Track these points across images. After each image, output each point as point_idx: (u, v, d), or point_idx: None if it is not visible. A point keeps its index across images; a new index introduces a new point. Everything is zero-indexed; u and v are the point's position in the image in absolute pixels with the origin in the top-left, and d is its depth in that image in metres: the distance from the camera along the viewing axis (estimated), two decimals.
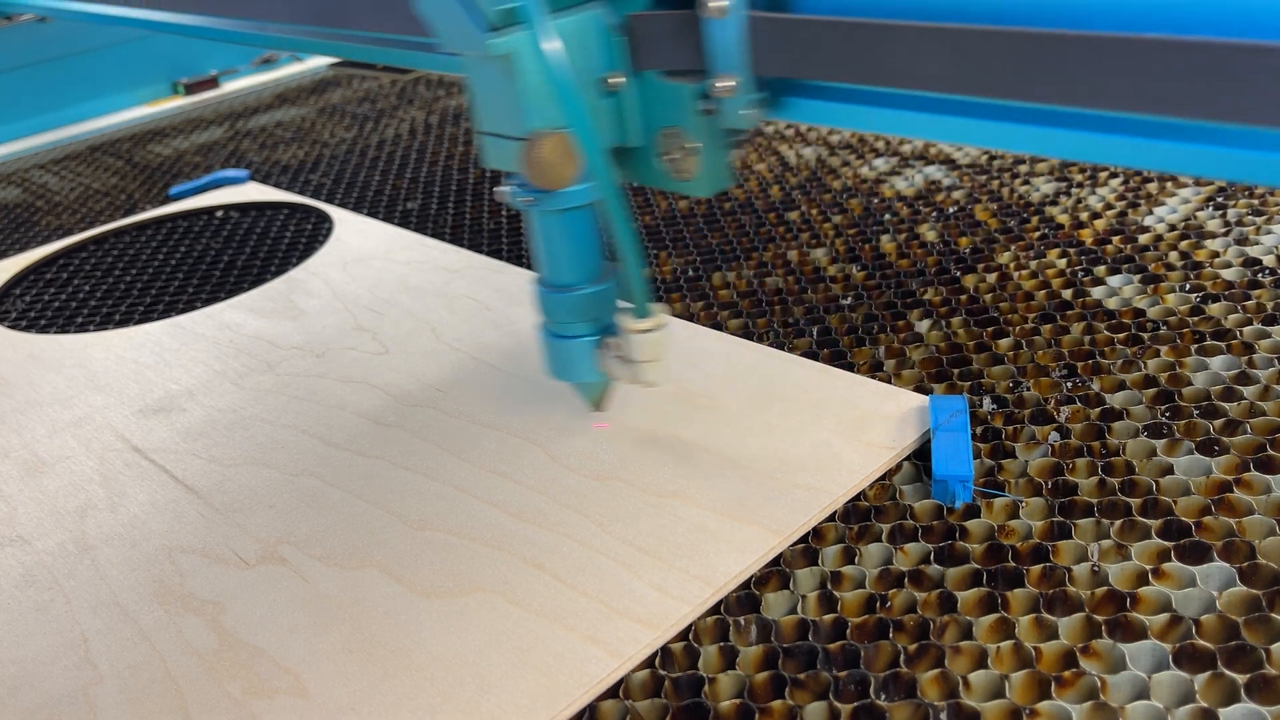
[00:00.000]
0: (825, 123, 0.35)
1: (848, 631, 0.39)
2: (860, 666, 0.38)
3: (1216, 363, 0.52)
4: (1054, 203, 0.72)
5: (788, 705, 0.37)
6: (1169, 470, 0.45)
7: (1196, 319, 0.56)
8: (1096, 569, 0.40)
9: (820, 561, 0.43)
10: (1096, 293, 0.60)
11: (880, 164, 0.84)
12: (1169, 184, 0.73)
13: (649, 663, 0.39)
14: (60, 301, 0.79)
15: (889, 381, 0.54)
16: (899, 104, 0.32)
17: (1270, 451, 0.45)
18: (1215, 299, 0.58)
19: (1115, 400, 0.50)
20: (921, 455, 0.48)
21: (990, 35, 0.27)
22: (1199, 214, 0.68)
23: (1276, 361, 0.51)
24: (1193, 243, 0.64)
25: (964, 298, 0.61)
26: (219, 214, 0.95)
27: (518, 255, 0.76)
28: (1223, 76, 0.23)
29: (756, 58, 0.34)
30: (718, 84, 0.35)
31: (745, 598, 0.41)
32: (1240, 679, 0.35)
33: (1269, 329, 0.54)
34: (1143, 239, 0.66)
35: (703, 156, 0.39)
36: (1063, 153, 0.29)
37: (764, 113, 0.36)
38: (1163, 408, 0.49)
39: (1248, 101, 0.23)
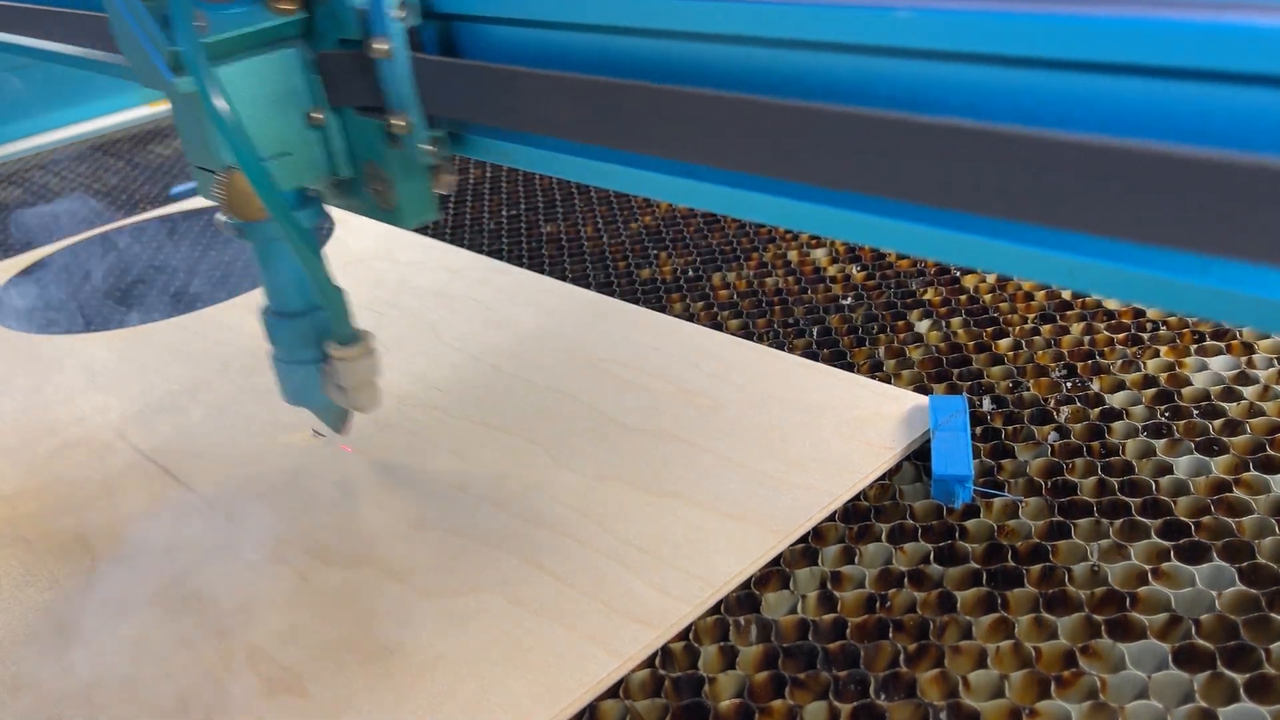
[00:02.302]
0: (502, 161, 0.36)
1: (848, 631, 0.39)
2: (860, 666, 0.38)
3: (1216, 363, 0.52)
4: None
5: (788, 705, 0.37)
6: (1169, 470, 0.45)
7: (1196, 319, 0.56)
8: (1096, 569, 0.40)
9: (820, 561, 0.43)
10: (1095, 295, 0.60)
11: None
12: None
13: (649, 662, 0.39)
14: (60, 301, 0.79)
15: (889, 381, 0.54)
16: (559, 148, 0.34)
17: (1270, 451, 0.45)
18: None
19: (1115, 400, 0.50)
20: (921, 455, 0.48)
21: (603, 86, 0.28)
22: None
23: (1276, 361, 0.51)
24: None
25: (964, 298, 0.61)
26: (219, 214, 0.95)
27: (518, 255, 0.76)
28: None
29: (425, 97, 0.35)
30: (394, 121, 0.36)
31: (745, 597, 0.41)
32: (1240, 679, 0.35)
33: (1267, 331, 0.54)
34: None
35: (399, 188, 0.39)
36: (688, 201, 0.30)
37: (446, 149, 0.37)
38: (1162, 408, 0.49)
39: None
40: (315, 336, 0.46)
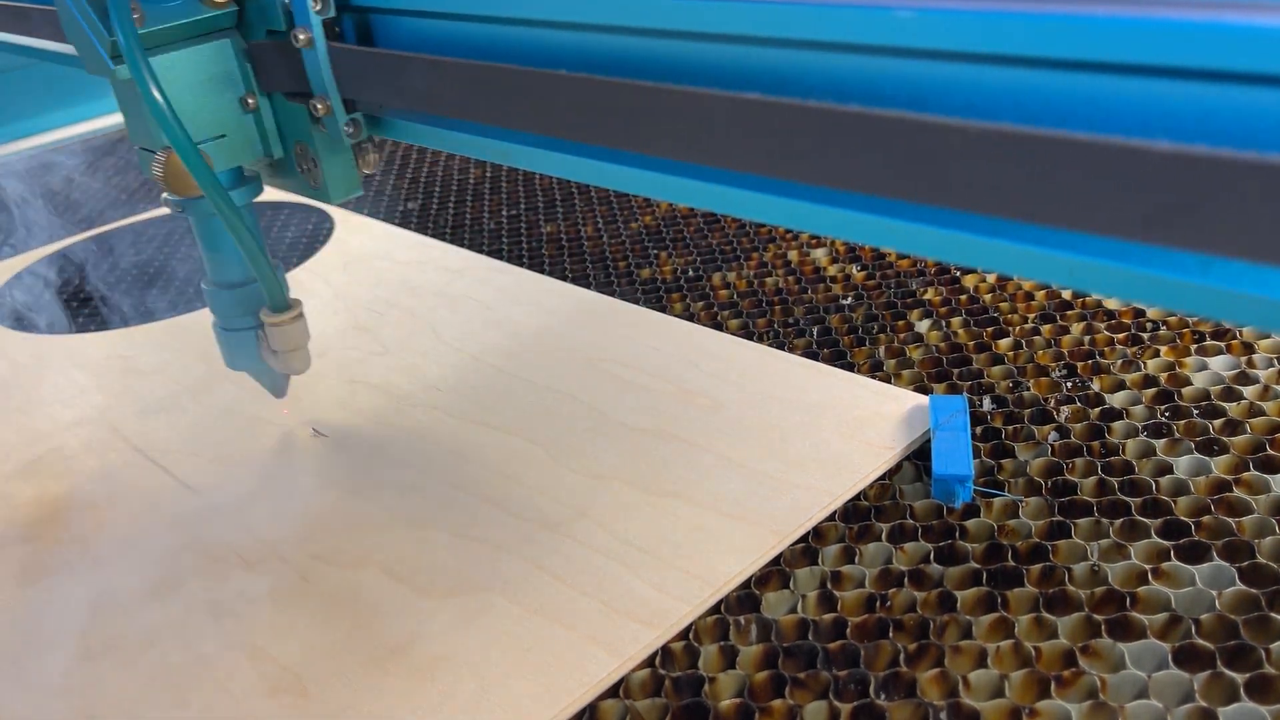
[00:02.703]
0: (417, 142, 0.41)
1: (848, 631, 0.39)
2: (860, 666, 0.38)
3: (1216, 363, 0.52)
4: None
5: (788, 705, 0.37)
6: (1169, 470, 0.45)
7: (1196, 319, 0.56)
8: (1096, 568, 0.40)
9: (820, 561, 0.43)
10: (1095, 294, 0.60)
11: None
12: None
13: (649, 662, 0.39)
14: (60, 301, 0.79)
15: (889, 381, 0.54)
16: (466, 129, 0.38)
17: (1270, 451, 0.45)
18: None
19: (1115, 400, 0.50)
20: (921, 455, 0.48)
21: (473, 68, 0.33)
22: None
23: (1276, 361, 0.51)
24: None
25: (964, 298, 0.61)
26: None
27: (518, 255, 0.76)
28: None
29: (342, 83, 0.39)
30: (317, 105, 0.40)
31: (745, 597, 0.41)
32: (1240, 679, 0.35)
33: (1266, 330, 0.54)
34: None
35: (324, 167, 0.43)
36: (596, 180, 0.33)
37: (364, 130, 0.41)
38: (1162, 407, 0.49)
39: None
40: (253, 306, 0.49)
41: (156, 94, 0.39)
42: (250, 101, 0.44)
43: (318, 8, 0.38)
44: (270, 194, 0.97)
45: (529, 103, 0.31)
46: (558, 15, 0.31)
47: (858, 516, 0.45)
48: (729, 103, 0.25)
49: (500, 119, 0.33)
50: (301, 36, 0.38)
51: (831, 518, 0.45)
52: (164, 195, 0.46)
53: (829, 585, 0.41)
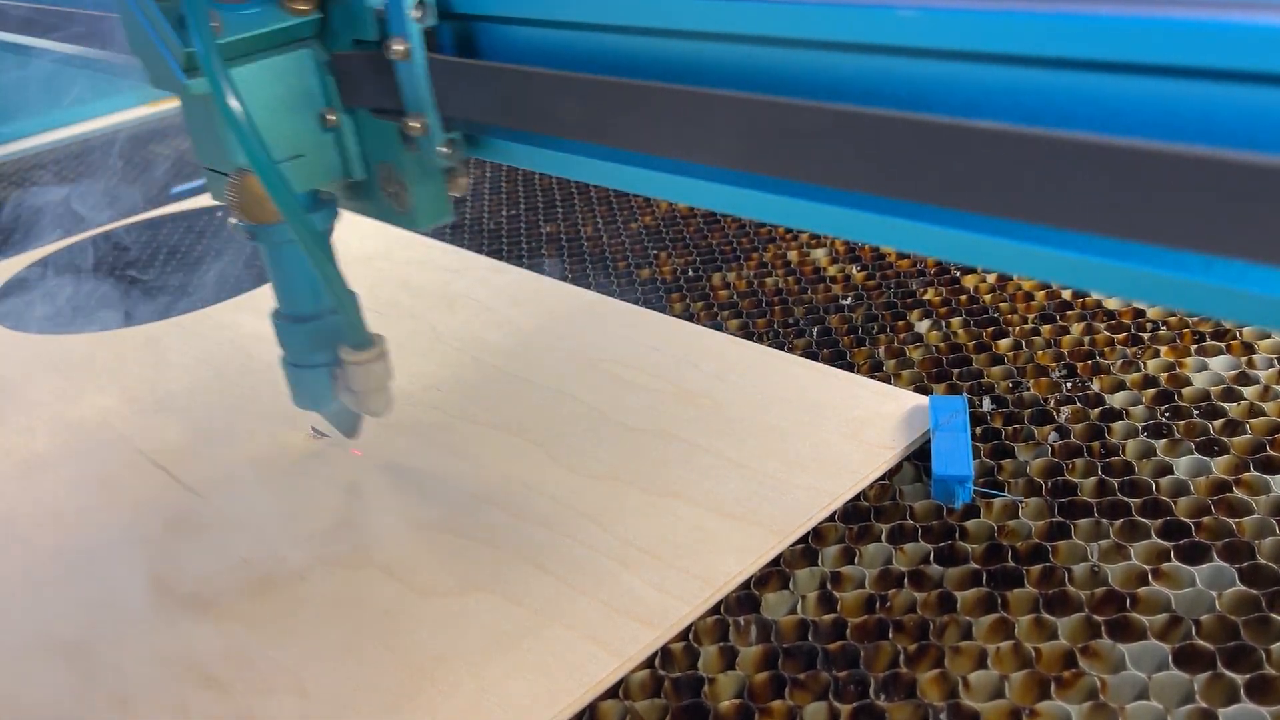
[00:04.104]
0: (518, 164, 0.36)
1: (848, 631, 0.39)
2: (860, 666, 0.38)
3: (1217, 363, 0.52)
4: None
5: (788, 705, 0.37)
6: (1169, 470, 0.45)
7: (1196, 319, 0.56)
8: (1096, 569, 0.40)
9: (820, 561, 0.43)
10: (1096, 292, 0.60)
11: None
12: None
13: (649, 663, 0.39)
14: (60, 301, 0.79)
15: (889, 381, 0.54)
16: (574, 150, 0.34)
17: (1270, 451, 0.45)
18: None
19: (1115, 400, 0.50)
20: (921, 455, 0.48)
21: (615, 86, 0.29)
22: None
23: (1276, 361, 0.51)
24: None
25: (964, 298, 0.61)
26: (219, 214, 0.95)
27: (518, 255, 0.76)
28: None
29: (441, 99, 0.35)
30: (410, 123, 0.36)
31: (745, 598, 0.41)
32: (1240, 679, 0.35)
33: (1269, 329, 0.54)
34: None
35: (413, 191, 0.40)
36: (720, 206, 0.30)
37: (462, 151, 0.37)
38: (1162, 408, 0.49)
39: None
40: (327, 340, 0.46)
41: (238, 109, 0.36)
42: (331, 118, 0.40)
43: (418, 15, 0.34)
44: None
45: (687, 127, 0.27)
46: (689, 25, 0.27)
47: (858, 517, 0.45)
48: (730, 102, 0.25)
49: (646, 143, 0.29)
50: (398, 48, 0.34)
51: (831, 518, 0.45)
52: (232, 221, 0.42)
53: (829, 586, 0.41)
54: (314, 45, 0.39)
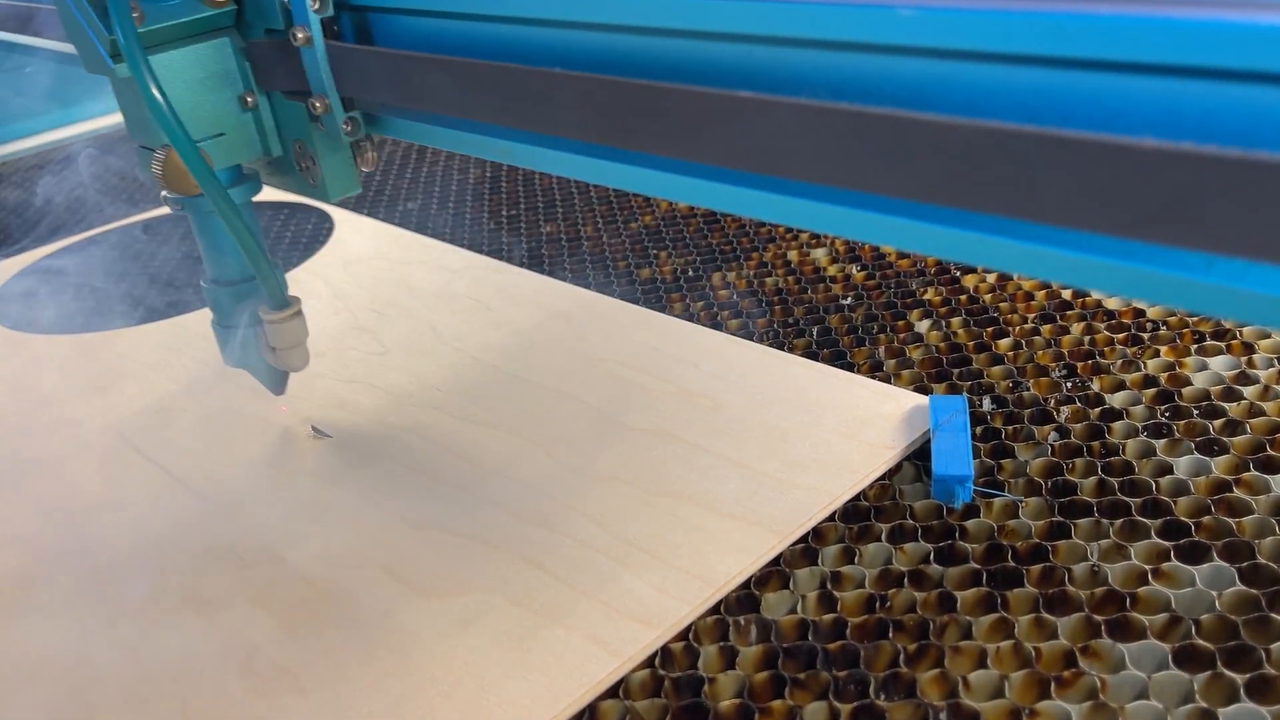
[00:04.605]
0: (416, 140, 0.41)
1: (848, 631, 0.39)
2: (860, 666, 0.38)
3: (1217, 363, 0.52)
4: None
5: (788, 705, 0.37)
6: (1169, 470, 0.45)
7: (1196, 319, 0.56)
8: (1096, 569, 0.40)
9: (820, 561, 0.43)
10: (1097, 292, 0.60)
11: None
12: None
13: (649, 662, 0.39)
14: (61, 301, 0.79)
15: (889, 381, 0.54)
16: (462, 127, 0.38)
17: (1270, 451, 0.45)
18: None
19: (1115, 400, 0.50)
20: (921, 455, 0.48)
21: (471, 66, 0.33)
22: None
23: (1276, 361, 0.51)
24: None
25: (964, 298, 0.61)
26: None
27: (518, 255, 0.76)
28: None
29: (339, 81, 0.40)
30: (315, 103, 0.40)
31: (745, 598, 0.41)
32: (1240, 679, 0.35)
33: (1269, 328, 0.54)
34: None
35: (323, 165, 0.44)
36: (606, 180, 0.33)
37: (361, 128, 0.42)
38: (1162, 408, 0.49)
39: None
40: (250, 303, 0.49)
41: (156, 92, 0.39)
42: (249, 100, 0.44)
43: (316, 6, 0.38)
44: (271, 194, 0.97)
45: (530, 101, 0.31)
46: (556, 14, 0.31)
47: (858, 517, 0.45)
48: (728, 101, 0.25)
49: (501, 117, 0.33)
50: (300, 35, 0.39)
51: (831, 518, 0.45)
52: (163, 193, 0.46)
53: (829, 585, 0.41)
54: (232, 34, 0.43)
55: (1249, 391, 0.49)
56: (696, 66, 0.28)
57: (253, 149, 0.45)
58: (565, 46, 0.32)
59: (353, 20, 0.40)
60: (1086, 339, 0.56)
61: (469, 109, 0.35)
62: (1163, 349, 0.54)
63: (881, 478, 0.47)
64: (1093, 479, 0.45)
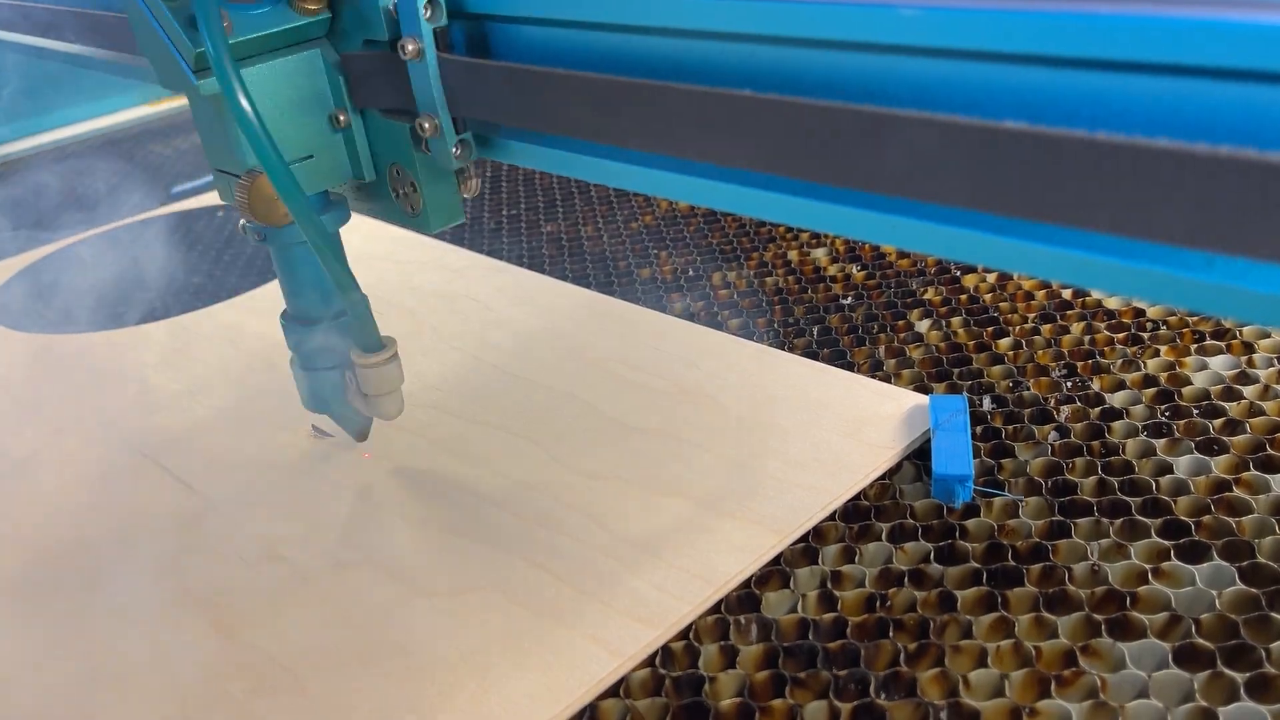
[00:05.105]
0: (530, 165, 0.36)
1: (848, 631, 0.39)
2: (860, 665, 0.38)
3: (1217, 362, 0.52)
4: None
5: (788, 704, 0.37)
6: (1169, 470, 0.45)
7: (1196, 318, 0.56)
8: (1096, 568, 0.40)
9: (820, 561, 0.43)
10: (1097, 292, 0.60)
11: None
12: None
13: (649, 662, 0.39)
14: (60, 301, 0.79)
15: (889, 381, 0.54)
16: (586, 150, 0.33)
17: (1270, 451, 0.45)
18: None
19: (1115, 400, 0.50)
20: (921, 455, 0.48)
21: (626, 86, 0.28)
22: None
23: (1276, 361, 0.51)
24: None
25: (964, 297, 0.61)
26: (219, 214, 0.95)
27: (518, 255, 0.76)
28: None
29: (452, 100, 0.35)
30: (422, 124, 0.36)
31: (745, 597, 0.41)
32: (1240, 678, 0.35)
33: (1269, 328, 0.54)
34: None
35: (425, 192, 0.40)
36: (739, 208, 0.30)
37: (473, 152, 0.37)
38: (1162, 407, 0.49)
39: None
40: (337, 343, 0.46)
41: (249, 110, 0.35)
42: (341, 119, 0.40)
43: (429, 15, 0.34)
44: None
45: (678, 124, 0.27)
46: (700, 24, 0.27)
47: (858, 516, 0.45)
48: (731, 100, 0.25)
49: (658, 144, 0.29)
50: (410, 47, 0.34)
51: (831, 518, 0.45)
52: (243, 223, 0.43)
53: (829, 585, 0.41)
54: (324, 45, 0.39)
55: (1249, 391, 0.49)
56: (696, 65, 0.28)
57: (343, 173, 0.41)
58: (711, 61, 0.28)
59: (465, 30, 0.35)
60: (1086, 339, 0.56)
61: (622, 134, 0.30)
62: (1163, 348, 0.54)
63: (881, 477, 0.47)
64: (1093, 478, 0.45)
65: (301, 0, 0.38)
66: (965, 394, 0.51)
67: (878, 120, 0.22)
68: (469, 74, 0.34)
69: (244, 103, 0.35)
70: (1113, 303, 0.58)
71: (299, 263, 0.45)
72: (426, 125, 0.36)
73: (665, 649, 0.39)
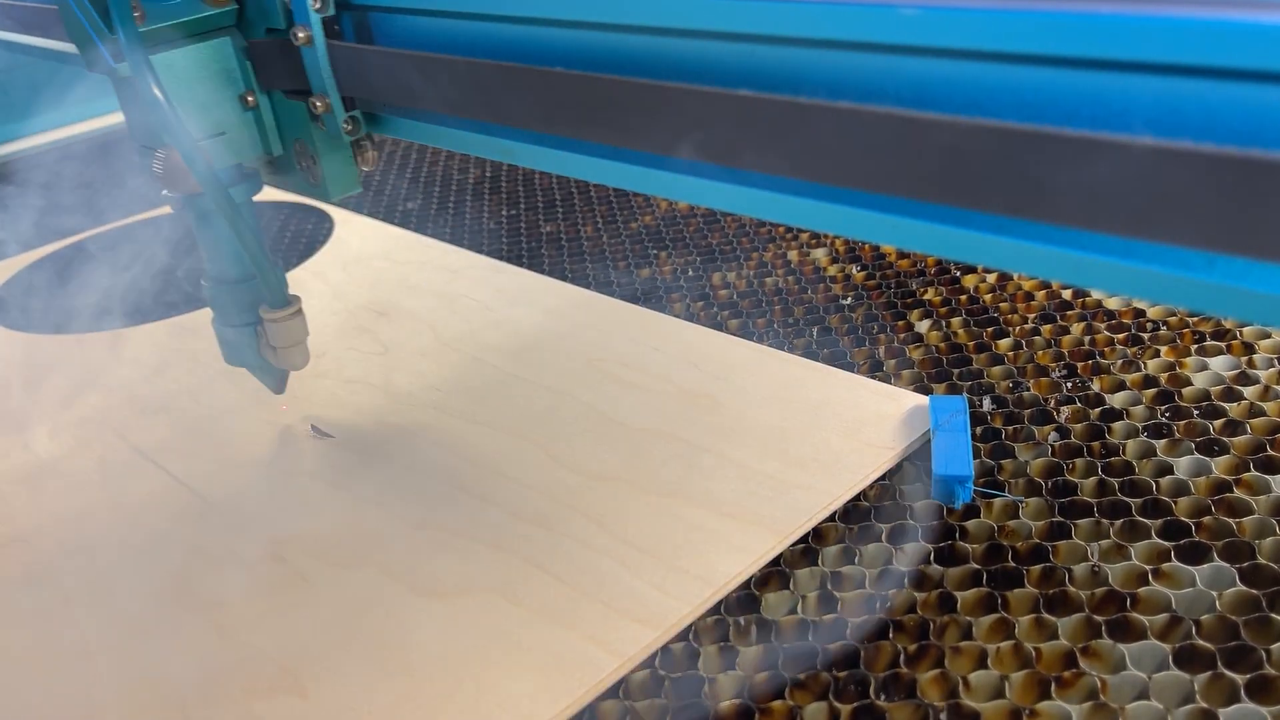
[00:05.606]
0: (416, 139, 0.41)
1: (848, 631, 0.39)
2: (860, 666, 0.38)
3: (1217, 363, 0.52)
4: None
5: (788, 705, 0.37)
6: (1169, 470, 0.45)
7: (1196, 319, 0.56)
8: (1096, 569, 0.40)
9: (820, 561, 0.43)
10: (1097, 292, 0.60)
11: None
12: None
13: (649, 662, 0.39)
14: (60, 301, 0.79)
15: (889, 381, 0.54)
16: (465, 126, 0.38)
17: (1270, 451, 0.45)
18: None
19: (1115, 400, 0.50)
20: (921, 455, 0.48)
21: (472, 66, 0.33)
22: None
23: (1276, 361, 0.51)
24: None
25: (964, 298, 0.61)
26: None
27: (518, 255, 0.76)
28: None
29: (340, 81, 0.40)
30: (316, 102, 0.40)
31: (745, 598, 0.41)
32: (1241, 679, 0.35)
33: (1269, 328, 0.54)
34: None
35: (324, 164, 0.44)
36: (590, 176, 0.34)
37: (363, 127, 0.42)
38: (1163, 408, 0.49)
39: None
40: (250, 302, 0.49)
41: (157, 91, 0.39)
42: (250, 99, 0.44)
43: (317, 6, 0.39)
44: (271, 194, 0.97)
45: (530, 100, 0.31)
46: (556, 13, 0.31)
47: (858, 517, 0.45)
48: (728, 100, 0.25)
49: (501, 116, 0.33)
50: (301, 34, 0.39)
51: (831, 518, 0.45)
52: (164, 192, 0.46)
53: (829, 586, 0.41)
54: (233, 33, 0.43)
55: (1249, 392, 0.49)
56: (693, 65, 0.28)
57: (253, 148, 0.45)
58: (564, 46, 0.32)
59: (353, 19, 0.40)
60: (1087, 339, 0.56)
61: (469, 108, 0.35)
62: (1163, 349, 0.54)
63: (881, 478, 0.47)
64: (1093, 479, 0.45)
65: None
66: (965, 394, 0.51)
67: (874, 119, 0.22)
68: (352, 58, 0.39)
69: (153, 86, 0.39)
70: (1113, 303, 0.58)
71: (214, 229, 0.48)
72: (319, 104, 0.40)
73: (665, 650, 0.39)
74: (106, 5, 0.39)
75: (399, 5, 0.38)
